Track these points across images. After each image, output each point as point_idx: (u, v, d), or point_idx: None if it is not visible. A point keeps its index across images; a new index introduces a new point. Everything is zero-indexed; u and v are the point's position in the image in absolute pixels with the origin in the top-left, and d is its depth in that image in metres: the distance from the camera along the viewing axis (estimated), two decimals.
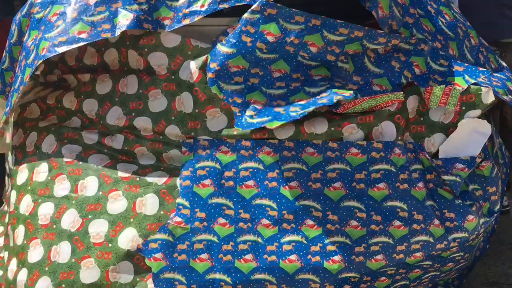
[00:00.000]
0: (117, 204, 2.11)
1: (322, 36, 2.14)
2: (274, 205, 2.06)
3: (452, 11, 2.44)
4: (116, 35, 2.12)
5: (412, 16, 2.29)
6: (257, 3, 2.14)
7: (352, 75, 2.20)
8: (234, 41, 2.15)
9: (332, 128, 2.14)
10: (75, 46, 2.12)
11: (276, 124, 2.04)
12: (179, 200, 2.08)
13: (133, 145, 2.21)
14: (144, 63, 2.23)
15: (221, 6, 2.15)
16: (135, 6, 2.18)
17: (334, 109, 2.16)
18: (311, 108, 2.01)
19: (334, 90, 2.08)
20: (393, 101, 2.15)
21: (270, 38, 2.14)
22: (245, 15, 2.16)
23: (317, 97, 2.08)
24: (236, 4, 2.14)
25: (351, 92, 2.05)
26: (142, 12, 2.17)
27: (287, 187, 2.05)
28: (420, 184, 2.09)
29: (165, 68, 2.21)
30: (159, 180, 2.14)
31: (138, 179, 2.14)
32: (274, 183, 2.08)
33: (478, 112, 2.21)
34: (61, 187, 2.17)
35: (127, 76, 2.26)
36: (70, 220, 2.11)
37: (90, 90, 2.28)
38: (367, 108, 2.16)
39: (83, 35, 2.12)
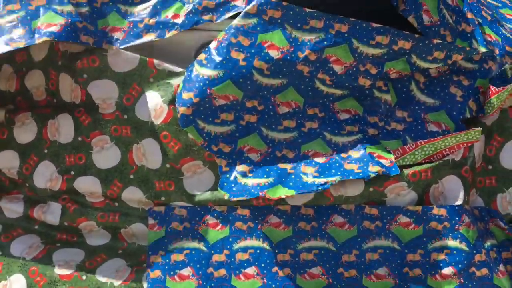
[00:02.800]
0: None
1: (351, 48, 1.59)
2: None
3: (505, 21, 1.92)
4: (34, 43, 1.60)
5: (470, 22, 1.74)
6: (252, 3, 1.58)
7: (394, 110, 1.65)
8: (220, 59, 1.59)
9: (371, 189, 1.61)
10: None
11: (280, 192, 1.56)
12: None
13: (75, 219, 1.71)
14: (83, 96, 1.71)
15: (206, 18, 1.63)
16: (69, 7, 1.64)
17: None
18: (333, 179, 1.57)
19: (368, 148, 1.61)
20: (461, 144, 1.61)
21: (274, 54, 1.58)
22: (236, 21, 1.60)
23: (343, 156, 1.61)
24: (227, 15, 1.63)
25: (392, 157, 1.59)
26: (79, 18, 1.63)
27: (306, 275, 1.59)
28: (502, 268, 1.60)
29: (114, 104, 1.68)
30: (116, 277, 1.64)
31: (84, 277, 1.65)
32: (287, 271, 1.60)
33: None
34: None
35: (58, 116, 1.73)
36: None
37: (5, 138, 1.77)
38: (423, 157, 1.63)
39: None
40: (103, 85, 1.68)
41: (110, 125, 1.68)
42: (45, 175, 1.72)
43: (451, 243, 1.59)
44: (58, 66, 1.72)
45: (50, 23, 1.61)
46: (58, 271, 1.66)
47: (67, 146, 1.70)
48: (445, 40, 1.67)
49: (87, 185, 1.69)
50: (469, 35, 1.71)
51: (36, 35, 1.60)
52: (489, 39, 1.74)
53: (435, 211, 1.60)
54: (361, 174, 1.54)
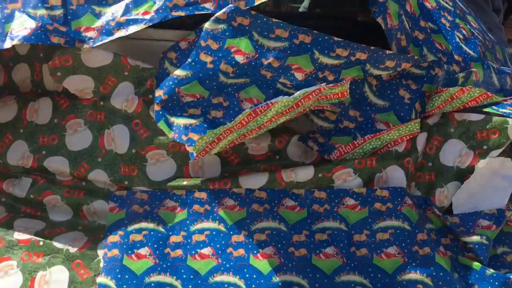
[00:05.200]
0: (8, 280, 1.56)
1: (312, 58, 1.65)
2: (241, 283, 1.57)
3: (469, 26, 1.98)
4: (4, 47, 1.60)
5: (422, 30, 1.82)
6: (223, 9, 1.61)
7: (348, 110, 1.73)
8: (189, 60, 1.64)
9: (320, 175, 1.68)
10: None
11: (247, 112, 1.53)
12: (101, 279, 1.54)
13: (41, 192, 1.71)
14: (63, 86, 1.73)
15: (174, 14, 1.64)
16: (42, 11, 1.65)
17: (326, 156, 1.70)
18: (296, 94, 1.55)
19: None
20: (404, 137, 1.69)
21: (239, 58, 1.63)
22: (206, 25, 1.65)
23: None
24: (196, 13, 1.64)
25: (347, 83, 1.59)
26: (50, 21, 1.64)
27: (259, 255, 1.58)
28: (442, 249, 1.65)
29: (91, 92, 1.70)
30: (72, 245, 1.63)
31: (41, 243, 1.63)
32: (241, 251, 1.59)
33: (500, 150, 1.80)
34: None
35: (39, 99, 1.75)
36: None
37: None
38: (370, 151, 1.71)
39: None
40: (78, 80, 1.70)
41: (87, 110, 1.71)
42: (18, 153, 1.73)
43: (394, 223, 1.63)
44: (40, 58, 1.73)
45: (22, 27, 1.62)
46: (17, 236, 1.64)
47: (42, 127, 1.73)
48: (401, 43, 1.75)
49: (57, 165, 1.71)
50: (420, 42, 1.80)
51: (8, 39, 1.60)
52: (439, 47, 1.83)
53: (378, 192, 1.66)
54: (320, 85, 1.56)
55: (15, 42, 1.58)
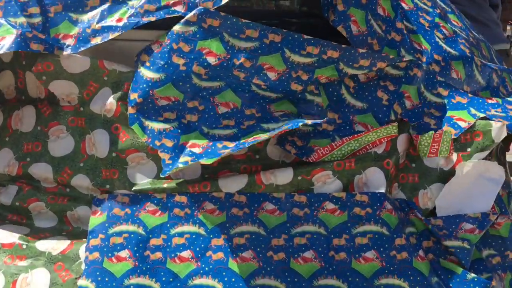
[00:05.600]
0: None
1: (283, 57, 1.66)
2: (220, 286, 1.60)
3: (450, 24, 1.96)
4: None
5: (399, 31, 1.82)
6: (193, 11, 1.64)
7: (325, 111, 1.73)
8: (162, 63, 1.65)
9: (299, 177, 1.68)
10: None
11: (214, 159, 1.58)
12: (82, 281, 1.58)
13: (26, 200, 1.76)
14: (46, 91, 1.78)
15: (145, 19, 1.68)
16: (22, 19, 1.70)
17: (304, 158, 1.69)
18: (266, 135, 1.61)
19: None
20: (382, 139, 1.69)
21: (211, 60, 1.65)
22: (176, 27, 1.67)
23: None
24: (167, 16, 1.68)
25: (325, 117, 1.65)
26: (30, 28, 1.70)
27: (238, 259, 1.60)
28: (421, 253, 1.66)
29: (76, 98, 1.75)
30: (55, 248, 1.67)
31: (24, 246, 1.68)
32: (220, 254, 1.62)
33: (486, 153, 1.79)
34: None
35: (23, 108, 1.80)
36: None
37: None
38: (349, 153, 1.71)
39: None
40: (63, 84, 1.74)
41: (68, 116, 1.74)
42: (4, 161, 1.78)
43: (373, 227, 1.64)
44: (23, 65, 1.78)
45: (3, 36, 1.67)
46: (1, 239, 1.68)
47: (27, 135, 1.77)
48: (373, 48, 1.76)
49: (40, 171, 1.74)
50: (398, 43, 1.79)
51: None
52: (418, 48, 1.82)
53: (358, 197, 1.66)
54: (291, 126, 1.60)
55: (0, 52, 1.64)
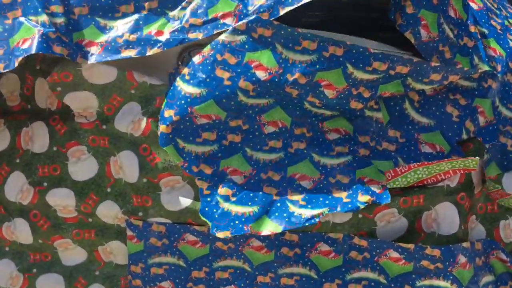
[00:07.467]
0: None
1: (344, 72, 1.47)
2: None
3: None
4: (13, 67, 1.49)
5: (472, 36, 1.62)
6: (243, 20, 1.46)
7: (387, 130, 1.55)
8: (204, 76, 1.48)
9: (360, 215, 1.53)
10: None
11: (266, 227, 1.48)
12: None
13: (49, 236, 1.63)
14: (59, 103, 1.61)
15: (191, 36, 1.52)
16: (44, 17, 1.52)
17: None
18: (320, 211, 1.50)
19: (358, 172, 1.52)
20: (457, 170, 1.51)
21: (261, 75, 1.47)
22: (222, 37, 1.48)
23: (331, 180, 1.52)
24: (215, 32, 1.50)
25: (384, 180, 1.52)
26: (53, 28, 1.51)
27: None
28: None
29: (95, 113, 1.58)
30: None
31: None
32: None
33: None
34: None
35: (32, 124, 1.62)
36: None
37: None
38: (415, 181, 1.53)
39: None
40: (81, 96, 1.57)
41: (88, 135, 1.59)
42: (16, 187, 1.62)
43: (442, 283, 1.52)
44: (35, 70, 1.61)
45: (25, 38, 1.50)
46: None
47: (40, 156, 1.60)
48: (444, 56, 1.56)
49: (61, 198, 1.60)
50: (470, 50, 1.59)
51: (14, 58, 1.49)
52: (493, 54, 1.62)
53: (429, 251, 1.52)
54: (350, 206, 1.46)
55: (20, 59, 1.47)
